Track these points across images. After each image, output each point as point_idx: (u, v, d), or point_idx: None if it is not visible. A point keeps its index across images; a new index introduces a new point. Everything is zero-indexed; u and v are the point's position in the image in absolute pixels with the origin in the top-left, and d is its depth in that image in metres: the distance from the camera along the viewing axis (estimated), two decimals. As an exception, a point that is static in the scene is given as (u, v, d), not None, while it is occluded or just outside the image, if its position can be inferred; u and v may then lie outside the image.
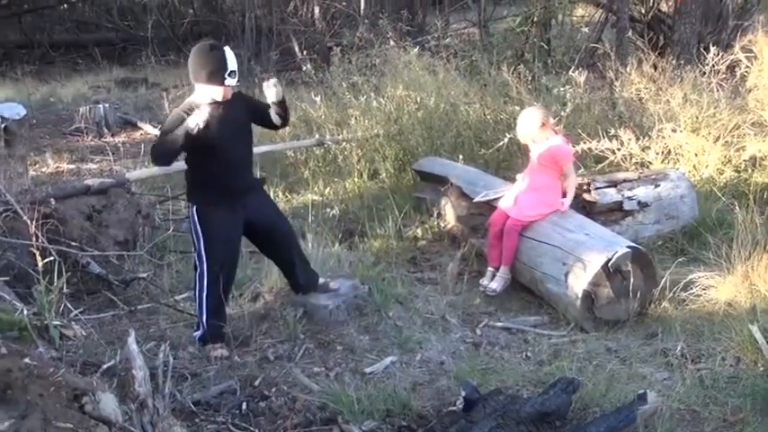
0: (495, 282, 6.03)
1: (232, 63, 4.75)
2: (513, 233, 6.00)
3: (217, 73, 4.72)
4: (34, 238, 4.49)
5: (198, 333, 5.09)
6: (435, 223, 7.32)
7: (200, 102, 4.79)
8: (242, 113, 5.01)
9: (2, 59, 19.38)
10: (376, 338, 5.25)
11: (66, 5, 22.09)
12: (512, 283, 6.13)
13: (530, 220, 5.99)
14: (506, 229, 6.02)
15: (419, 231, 7.30)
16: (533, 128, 6.05)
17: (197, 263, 5.00)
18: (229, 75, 4.75)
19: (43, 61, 20.33)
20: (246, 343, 5.12)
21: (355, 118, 9.29)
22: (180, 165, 5.28)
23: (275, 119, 5.07)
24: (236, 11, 19.65)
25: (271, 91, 4.94)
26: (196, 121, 4.59)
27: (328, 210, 7.46)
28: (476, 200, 6.74)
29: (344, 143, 9.15)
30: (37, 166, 10.25)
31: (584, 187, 6.68)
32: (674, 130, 7.93)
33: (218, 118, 4.79)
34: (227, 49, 4.79)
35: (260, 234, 5.23)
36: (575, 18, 15.06)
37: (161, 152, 4.77)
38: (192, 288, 5.12)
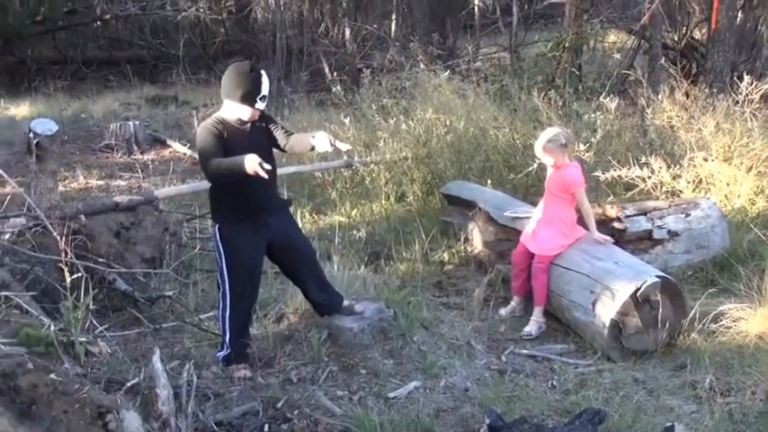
0: (530, 325, 5.91)
1: (266, 88, 4.87)
2: (540, 273, 5.94)
3: (251, 95, 4.82)
4: (63, 254, 4.53)
5: (222, 353, 5.11)
6: (462, 248, 7.31)
7: (228, 118, 4.88)
8: (265, 133, 5.08)
9: (35, 75, 19.60)
10: (400, 363, 5.24)
11: (99, 23, 22.32)
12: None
13: (553, 254, 5.96)
14: (533, 270, 5.97)
15: (446, 256, 7.29)
16: (554, 144, 5.89)
17: (220, 282, 5.04)
18: (261, 98, 4.86)
19: (75, 77, 20.57)
20: (270, 364, 5.14)
21: (384, 140, 9.32)
22: (206, 183, 5.31)
23: (289, 146, 5.12)
24: (268, 31, 19.81)
25: (325, 143, 5.00)
26: (254, 168, 4.54)
27: (355, 232, 7.48)
28: (505, 214, 6.71)
29: (372, 165, 9.17)
30: (66, 181, 10.36)
31: (614, 215, 6.65)
32: (705, 159, 7.88)
33: (245, 138, 4.87)
34: (263, 73, 4.89)
35: (280, 254, 5.25)
36: (606, 44, 15.06)
37: (222, 178, 4.81)
38: (216, 307, 5.15)
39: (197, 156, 4.91)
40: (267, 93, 4.89)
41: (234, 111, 4.89)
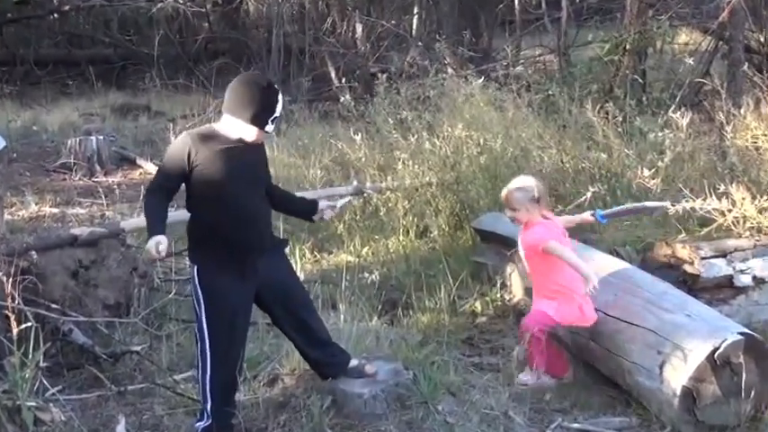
0: (526, 373, 6.01)
1: (280, 108, 4.96)
2: (537, 343, 5.99)
3: (262, 116, 4.88)
4: (9, 299, 4.56)
5: (201, 423, 5.08)
6: (498, 295, 7.31)
7: (224, 134, 4.91)
8: (263, 160, 5.17)
9: (-23, 78, 19.82)
10: (421, 438, 5.23)
11: (56, 15, 22.54)
12: (593, 374, 6.07)
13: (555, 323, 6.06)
14: (534, 335, 5.99)
15: (478, 305, 7.29)
16: (524, 196, 5.99)
17: (198, 337, 5.01)
18: (272, 120, 4.92)
19: (26, 81, 20.76)
20: (261, 437, 5.13)
21: (403, 162, 9.35)
22: (183, 212, 5.33)
23: (278, 200, 5.34)
24: (261, 27, 20.00)
25: (327, 214, 5.27)
26: (151, 254, 4.65)
27: (366, 274, 7.48)
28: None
29: (388, 192, 9.19)
30: (14, 208, 10.42)
31: (686, 257, 6.64)
32: (800, 189, 7.87)
33: (239, 156, 4.91)
34: (279, 89, 5.00)
35: (272, 303, 5.24)
36: (677, 46, 15.10)
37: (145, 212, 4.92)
38: (195, 367, 5.13)
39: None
40: (280, 114, 4.98)
41: (237, 130, 4.91)
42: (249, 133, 4.90)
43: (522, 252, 6.11)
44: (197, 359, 5.05)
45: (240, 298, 5.04)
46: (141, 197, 9.58)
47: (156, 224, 4.72)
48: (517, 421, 5.52)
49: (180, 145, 4.84)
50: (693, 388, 5.26)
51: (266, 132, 4.96)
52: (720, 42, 13.68)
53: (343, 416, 5.28)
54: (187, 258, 5.06)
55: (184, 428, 5.20)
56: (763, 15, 14.24)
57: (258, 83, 4.98)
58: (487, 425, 5.41)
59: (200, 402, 5.14)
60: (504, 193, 6.14)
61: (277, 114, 4.94)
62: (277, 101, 4.93)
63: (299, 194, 8.61)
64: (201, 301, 4.94)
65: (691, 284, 6.56)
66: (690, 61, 11.92)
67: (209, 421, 5.02)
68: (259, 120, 4.86)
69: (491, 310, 7.26)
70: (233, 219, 4.83)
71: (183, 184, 4.87)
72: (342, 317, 6.48)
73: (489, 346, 6.70)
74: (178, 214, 7.47)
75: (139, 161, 13.39)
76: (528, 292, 6.94)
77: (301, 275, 7.05)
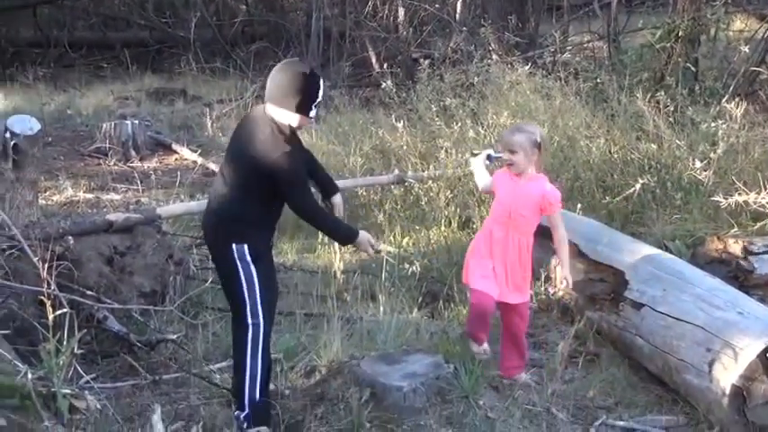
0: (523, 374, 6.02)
1: (321, 94, 5.15)
2: (523, 332, 6.10)
3: (307, 103, 5.05)
4: (44, 285, 4.61)
5: (243, 413, 5.13)
6: (542, 289, 7.30)
7: (282, 122, 5.06)
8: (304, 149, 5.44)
9: (11, 60, 19.93)
10: (461, 432, 5.26)
11: (91, -3, 22.71)
12: (639, 371, 6.08)
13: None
14: (517, 326, 6.04)
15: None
16: (527, 139, 5.77)
17: (249, 318, 5.08)
18: (316, 105, 5.12)
19: (60, 64, 20.89)
20: (297, 430, 5.17)
21: (446, 150, 9.36)
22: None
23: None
24: (300, 10, 20.04)
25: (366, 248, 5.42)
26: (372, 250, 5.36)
27: (407, 265, 7.49)
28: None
29: (431, 182, 9.21)
30: (48, 193, 10.53)
31: (739, 252, 6.61)
32: None
33: (300, 150, 5.22)
34: (321, 77, 5.19)
35: None
36: (731, 33, 14.97)
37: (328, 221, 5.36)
38: (240, 352, 5.16)
39: (285, 181, 5.00)
40: (321, 99, 5.19)
41: (284, 117, 5.07)
42: (294, 120, 5.06)
43: (520, 201, 5.82)
44: (243, 343, 5.10)
45: (276, 279, 5.33)
46: (177, 183, 9.72)
47: (348, 225, 5.45)
48: (560, 418, 5.54)
49: (292, 151, 5.00)
50: (744, 387, 5.25)
51: (310, 118, 5.14)
52: (777, 30, 13.56)
53: (381, 409, 5.31)
54: (232, 239, 5.08)
55: (220, 418, 5.24)
56: (822, 2, 14.12)
57: (299, 70, 5.11)
58: (529, 421, 5.43)
59: (232, 391, 5.23)
60: (504, 134, 6.08)
61: (320, 99, 5.13)
62: (319, 86, 5.10)
63: (338, 182, 8.75)
64: (256, 279, 5.07)
65: (743, 280, 6.53)
66: (745, 49, 11.82)
67: (252, 408, 5.10)
68: (303, 107, 5.04)
69: (535, 303, 7.23)
70: (280, 205, 5.14)
71: (255, 174, 5.00)
72: (381, 308, 6.52)
73: (533, 340, 6.69)
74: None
75: (175, 146, 13.43)
76: (574, 286, 6.93)
77: (340, 265, 7.09)
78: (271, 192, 5.03)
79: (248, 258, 5.05)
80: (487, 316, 5.88)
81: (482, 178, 6.20)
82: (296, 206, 5.14)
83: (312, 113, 5.10)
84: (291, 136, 5.07)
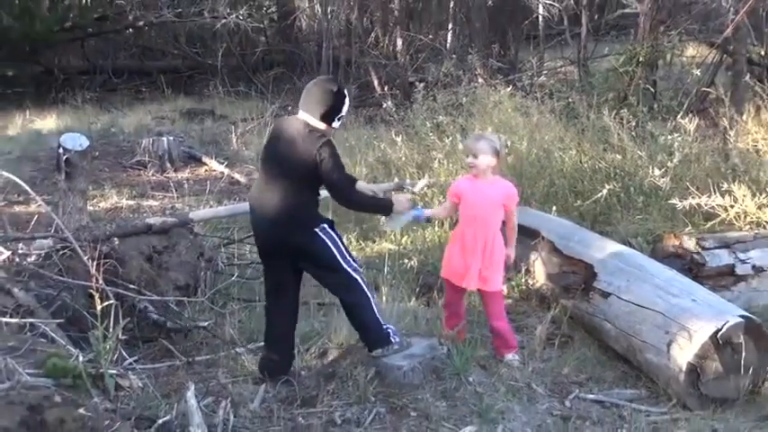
0: (511, 356, 6.01)
1: (346, 109, 5.34)
2: (503, 316, 6.09)
3: (331, 114, 5.25)
4: (93, 280, 4.62)
5: (387, 336, 5.36)
6: (523, 280, 7.29)
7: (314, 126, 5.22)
8: None
9: (63, 86, 19.93)
10: (454, 405, 5.24)
11: (132, 30, 22.67)
12: (607, 351, 6.09)
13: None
14: (495, 314, 6.02)
15: (504, 289, 7.27)
16: (486, 146, 5.78)
17: (351, 272, 5.26)
18: (339, 118, 5.31)
19: (105, 88, 20.88)
20: (312, 403, 5.17)
21: (438, 161, 9.36)
22: (244, 205, 5.43)
23: None
24: (313, 41, 20.01)
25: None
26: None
27: (405, 261, 7.50)
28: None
29: (426, 188, 9.20)
30: (95, 200, 10.54)
31: (692, 247, 6.61)
32: (795, 187, 7.81)
33: None
34: (347, 94, 5.36)
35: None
36: (685, 59, 14.97)
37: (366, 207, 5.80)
38: (358, 304, 5.32)
39: (334, 171, 5.17)
40: (345, 114, 5.36)
41: (313, 124, 5.22)
42: (320, 127, 5.21)
43: (485, 202, 5.84)
44: (358, 299, 5.29)
45: None
46: (207, 191, 9.73)
47: (382, 198, 5.68)
48: (539, 392, 5.54)
49: (327, 138, 5.19)
50: (698, 365, 5.26)
51: (333, 128, 5.30)
52: (725, 55, 13.56)
53: (385, 385, 5.32)
54: (249, 244, 5.17)
55: (246, 394, 5.24)
56: (764, 31, 14.12)
57: (329, 87, 5.29)
58: (512, 395, 5.43)
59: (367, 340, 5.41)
60: (468, 140, 6.15)
61: (343, 114, 5.31)
62: (344, 102, 5.29)
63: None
64: (343, 247, 5.29)
65: (696, 272, 6.53)
66: (697, 72, 11.83)
67: (386, 330, 5.37)
68: (328, 117, 5.23)
69: (516, 293, 7.25)
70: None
71: (305, 167, 5.13)
72: (384, 298, 6.53)
73: (515, 325, 6.66)
74: (239, 207, 7.60)
75: (205, 159, 13.44)
76: (550, 278, 6.94)
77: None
78: (319, 181, 5.18)
79: (329, 230, 5.24)
80: (454, 305, 6.09)
81: (440, 211, 6.40)
82: (340, 191, 5.26)
83: (335, 124, 5.30)
84: (325, 134, 5.21)
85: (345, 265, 5.23)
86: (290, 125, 5.29)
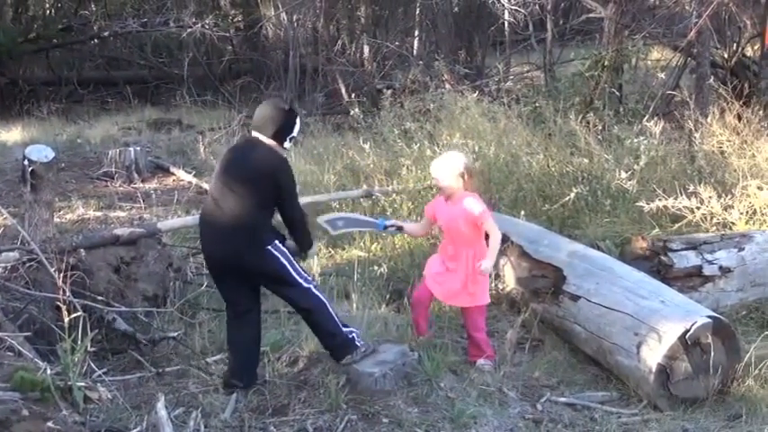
0: (485, 363, 6.01)
1: (297, 130, 5.36)
2: (483, 330, 6.09)
3: (281, 134, 5.27)
4: (60, 292, 4.59)
5: (350, 341, 5.42)
6: (493, 285, 7.30)
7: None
8: None
9: (28, 97, 19.80)
10: (426, 411, 5.24)
11: (97, 41, 22.55)
12: (578, 354, 6.11)
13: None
14: (475, 328, 6.03)
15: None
16: (449, 171, 5.86)
17: (309, 290, 5.34)
18: (290, 139, 5.34)
19: (71, 99, 20.75)
20: (284, 412, 5.15)
21: (407, 167, 9.36)
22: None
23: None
24: (279, 49, 19.97)
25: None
26: None
27: (375, 267, 7.48)
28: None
29: (394, 195, 9.20)
30: (62, 212, 10.45)
31: (660, 249, 6.66)
32: (760, 188, 7.88)
33: None
34: (299, 114, 5.40)
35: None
36: (649, 62, 15.09)
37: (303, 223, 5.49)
38: (314, 313, 5.37)
39: (285, 186, 5.25)
40: (297, 135, 5.40)
41: (266, 144, 5.26)
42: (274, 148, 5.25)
43: (454, 222, 5.89)
44: (318, 314, 5.36)
45: None
46: (175, 201, 9.68)
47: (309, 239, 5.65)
48: (511, 396, 5.55)
49: (285, 156, 5.33)
50: (667, 365, 5.29)
51: (285, 148, 5.31)
52: (689, 58, 13.67)
53: (356, 392, 5.31)
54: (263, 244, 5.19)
55: (217, 404, 5.21)
56: (726, 34, 14.24)
57: (280, 106, 5.35)
58: (484, 399, 5.44)
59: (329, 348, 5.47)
60: (432, 164, 6.09)
61: (295, 134, 5.34)
62: (295, 122, 5.31)
63: (316, 198, 8.72)
64: (296, 263, 5.34)
65: (664, 274, 6.57)
66: (661, 75, 11.96)
67: (355, 340, 5.43)
68: (279, 137, 5.25)
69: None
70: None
71: (262, 184, 5.17)
72: (354, 305, 6.53)
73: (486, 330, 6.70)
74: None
75: (173, 169, 13.38)
76: (519, 282, 6.95)
77: (317, 269, 7.07)
78: (273, 198, 5.20)
79: (279, 246, 5.26)
80: (422, 305, 6.14)
81: (416, 229, 6.45)
82: (290, 211, 5.30)
83: (287, 144, 5.32)
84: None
85: (299, 278, 5.29)
86: (248, 143, 5.36)
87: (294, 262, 5.31)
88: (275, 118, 5.24)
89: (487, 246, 5.83)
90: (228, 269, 5.31)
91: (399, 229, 6.23)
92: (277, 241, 5.27)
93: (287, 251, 5.30)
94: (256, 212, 5.19)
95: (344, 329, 5.40)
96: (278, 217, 5.38)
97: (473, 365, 5.93)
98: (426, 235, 7.06)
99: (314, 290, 5.35)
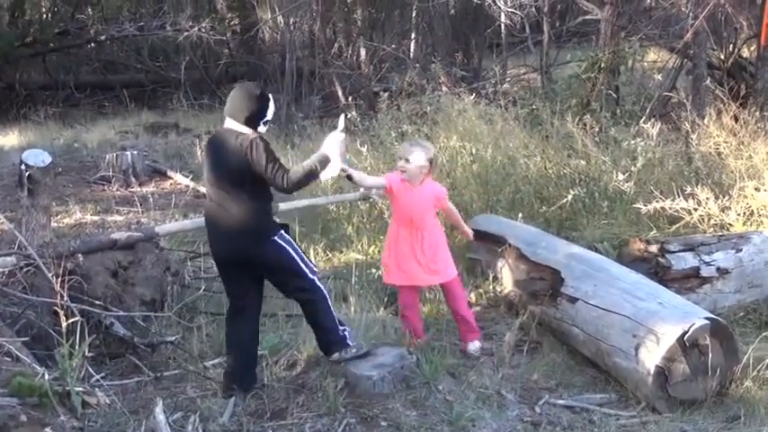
0: (474, 344, 6.21)
1: (271, 113, 5.29)
2: (463, 300, 6.33)
3: (254, 119, 5.20)
4: (58, 297, 4.58)
5: (344, 340, 5.43)
6: (491, 287, 7.31)
7: (241, 132, 5.18)
8: None
9: (24, 101, 19.81)
10: (424, 414, 5.23)
11: (93, 45, 22.56)
12: (576, 356, 6.11)
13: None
14: (456, 299, 6.22)
15: (472, 296, 7.29)
16: (420, 155, 6.00)
17: (314, 282, 5.35)
18: (264, 123, 5.25)
19: (67, 103, 20.78)
20: (282, 416, 5.14)
21: (404, 171, 9.34)
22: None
23: None
24: (276, 52, 19.98)
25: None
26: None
27: (373, 270, 7.48)
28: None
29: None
30: (59, 216, 10.44)
31: (657, 251, 6.66)
32: (757, 189, 7.88)
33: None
34: (270, 97, 5.29)
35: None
36: (646, 64, 15.11)
37: (307, 179, 5.20)
38: (316, 309, 5.39)
39: (265, 163, 5.06)
40: (271, 118, 5.31)
41: (239, 129, 5.20)
42: (246, 132, 5.18)
43: (421, 205, 6.06)
44: (317, 305, 5.36)
45: None
46: (172, 205, 9.67)
47: (313, 160, 5.23)
48: (509, 399, 5.54)
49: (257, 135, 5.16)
50: (665, 367, 5.29)
51: (259, 133, 5.21)
52: (685, 60, 13.67)
53: (354, 396, 5.31)
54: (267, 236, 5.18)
55: (215, 408, 5.21)
56: (722, 35, 14.26)
57: (250, 90, 5.29)
58: (483, 402, 5.43)
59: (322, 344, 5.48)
60: (404, 144, 6.32)
61: (268, 117, 5.27)
62: (267, 106, 5.25)
63: (313, 201, 8.70)
64: (302, 254, 5.37)
65: (662, 275, 6.57)
66: (658, 77, 11.97)
67: (348, 338, 5.45)
68: (252, 122, 5.20)
69: (484, 300, 7.26)
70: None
71: (248, 172, 5.11)
72: (352, 308, 6.51)
73: (484, 332, 6.68)
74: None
75: (170, 173, 13.40)
76: (517, 284, 6.95)
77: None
78: (263, 183, 5.14)
79: (285, 236, 5.28)
80: (411, 308, 6.22)
81: (367, 180, 6.25)
82: (280, 182, 5.08)
83: (261, 128, 5.24)
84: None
85: (306, 269, 5.31)
86: (221, 137, 5.30)
87: (300, 251, 5.34)
88: (247, 104, 5.19)
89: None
90: (236, 264, 5.33)
91: (349, 177, 6.01)
92: (282, 231, 5.29)
93: (292, 240, 5.33)
94: (254, 205, 5.18)
95: (339, 327, 5.43)
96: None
97: (464, 352, 6.11)
98: (369, 189, 6.98)
99: (318, 281, 5.37)
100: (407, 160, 5.98)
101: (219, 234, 5.33)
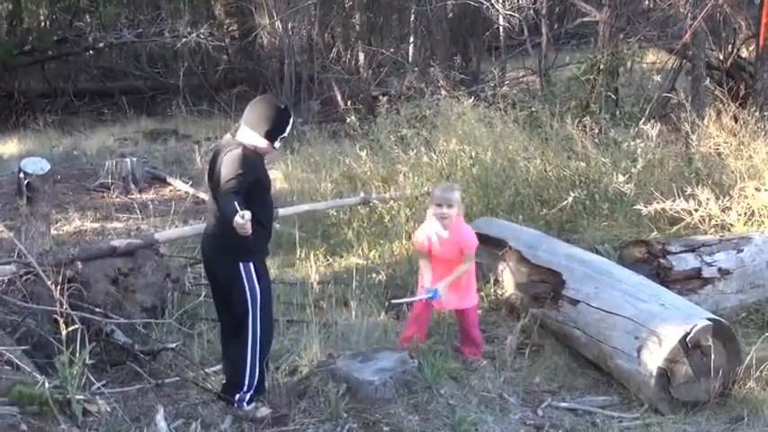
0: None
1: (289, 130, 5.18)
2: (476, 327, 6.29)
3: (274, 133, 5.07)
4: (57, 304, 4.57)
5: (244, 396, 5.21)
6: (492, 291, 7.30)
7: (251, 143, 5.03)
8: None
9: (23, 109, 19.81)
10: (426, 419, 5.21)
11: (92, 52, 22.57)
12: (578, 359, 6.10)
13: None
14: (470, 326, 6.22)
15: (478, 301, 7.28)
16: (458, 198, 6.05)
17: (251, 324, 5.11)
18: (281, 139, 5.14)
19: (66, 111, 20.77)
20: (284, 422, 5.13)
21: (404, 174, 9.35)
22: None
23: None
24: (275, 57, 19.99)
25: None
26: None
27: (374, 275, 7.49)
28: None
29: (392, 202, 9.19)
30: (59, 224, 10.43)
31: (659, 252, 6.65)
32: (757, 189, 7.88)
33: (265, 169, 5.22)
34: (292, 114, 5.26)
35: None
36: (645, 65, 15.09)
37: (226, 213, 4.71)
38: (241, 351, 5.17)
39: (226, 175, 4.83)
40: (288, 135, 5.22)
41: (253, 139, 5.05)
42: (261, 145, 5.08)
43: (446, 246, 6.01)
44: (245, 343, 5.12)
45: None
46: (172, 211, 9.67)
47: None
48: (511, 402, 5.53)
49: (253, 161, 4.99)
50: (668, 369, 5.28)
51: (274, 148, 5.15)
52: (684, 61, 13.66)
53: (356, 401, 5.28)
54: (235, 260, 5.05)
55: (216, 415, 5.19)
56: (721, 36, 14.26)
57: (274, 104, 5.18)
58: (485, 406, 5.42)
59: (232, 381, 5.26)
60: (441, 191, 6.08)
61: (286, 134, 5.15)
62: (288, 122, 5.14)
63: (313, 206, 8.69)
64: (258, 292, 5.09)
65: (663, 277, 6.56)
66: (657, 78, 11.94)
67: (251, 392, 5.21)
68: (271, 135, 5.06)
69: (486, 304, 7.25)
70: (271, 219, 5.30)
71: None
72: (353, 313, 6.51)
73: (485, 335, 6.67)
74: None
75: (169, 179, 13.39)
76: (519, 287, 6.94)
77: (316, 277, 7.06)
78: (254, 202, 4.81)
79: (254, 276, 5.06)
80: (421, 318, 6.19)
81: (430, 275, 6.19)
82: (224, 191, 4.77)
83: (277, 144, 5.13)
84: (255, 154, 5.06)
85: (251, 309, 5.09)
86: (220, 147, 5.17)
87: (260, 299, 5.08)
88: (271, 116, 5.05)
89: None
90: (208, 275, 5.38)
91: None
92: (252, 264, 5.04)
93: (258, 289, 5.06)
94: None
95: (252, 387, 5.20)
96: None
97: (464, 356, 6.16)
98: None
99: (259, 322, 5.12)
100: (450, 206, 5.90)
101: (203, 241, 5.38)
